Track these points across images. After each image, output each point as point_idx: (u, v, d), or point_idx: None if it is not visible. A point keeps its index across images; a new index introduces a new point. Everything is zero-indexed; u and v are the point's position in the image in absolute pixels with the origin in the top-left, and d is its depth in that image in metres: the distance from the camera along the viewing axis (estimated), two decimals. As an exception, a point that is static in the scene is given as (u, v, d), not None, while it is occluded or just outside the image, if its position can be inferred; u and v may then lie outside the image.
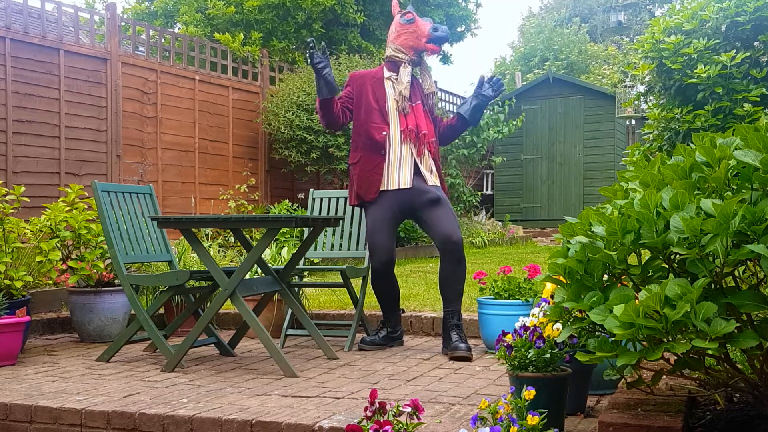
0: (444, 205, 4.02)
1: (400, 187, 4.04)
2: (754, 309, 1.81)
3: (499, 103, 12.31)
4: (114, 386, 3.29)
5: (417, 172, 4.07)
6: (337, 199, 4.78)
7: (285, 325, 4.37)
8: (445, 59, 15.13)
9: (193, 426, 2.69)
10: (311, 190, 4.95)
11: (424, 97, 4.19)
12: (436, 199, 4.01)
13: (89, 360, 4.00)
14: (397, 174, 4.05)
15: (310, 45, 3.90)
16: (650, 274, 2.02)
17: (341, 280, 4.43)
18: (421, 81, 4.22)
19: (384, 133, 4.05)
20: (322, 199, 4.82)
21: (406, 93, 4.09)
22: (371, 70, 4.28)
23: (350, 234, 4.65)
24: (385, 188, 4.07)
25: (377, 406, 2.05)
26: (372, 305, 5.02)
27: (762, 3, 4.27)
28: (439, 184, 4.12)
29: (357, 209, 4.59)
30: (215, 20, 10.99)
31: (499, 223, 12.95)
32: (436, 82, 4.37)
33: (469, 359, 3.83)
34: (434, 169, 4.15)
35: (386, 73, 4.17)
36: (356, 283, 4.59)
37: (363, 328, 4.51)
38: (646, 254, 2.05)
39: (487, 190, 14.82)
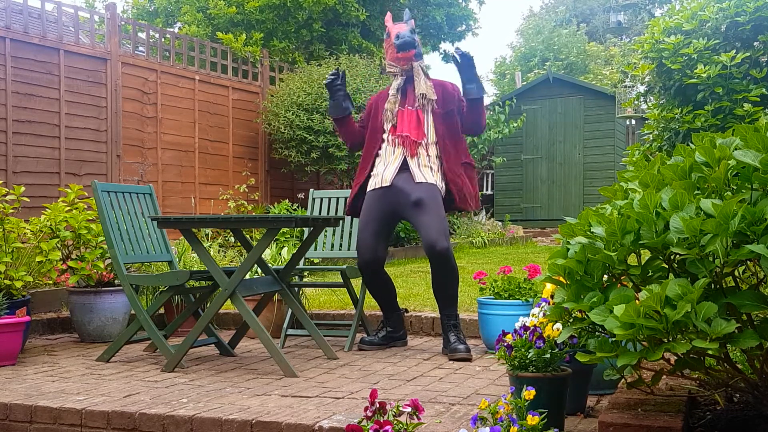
0: (426, 209, 3.94)
1: (382, 185, 4.10)
2: (754, 309, 1.81)
3: (500, 103, 12.30)
4: (114, 386, 3.29)
5: (406, 170, 4.07)
6: (337, 199, 4.78)
7: (285, 325, 4.37)
8: (446, 58, 15.14)
9: (193, 426, 2.69)
10: (311, 190, 4.95)
11: (416, 99, 4.14)
12: (418, 200, 3.96)
13: (89, 360, 4.00)
14: (381, 174, 4.12)
15: (335, 72, 4.29)
16: (650, 274, 2.02)
17: (341, 280, 4.44)
18: (414, 87, 4.17)
19: (378, 150, 4.22)
20: (322, 199, 4.82)
21: (391, 107, 4.15)
22: (383, 91, 4.36)
23: (350, 234, 4.65)
24: (372, 188, 4.14)
25: (377, 406, 2.05)
26: (372, 305, 5.02)
27: (762, 3, 4.27)
28: (433, 182, 4.04)
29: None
30: (216, 20, 10.99)
31: (499, 223, 12.95)
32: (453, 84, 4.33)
33: (468, 360, 3.83)
34: (433, 166, 4.08)
35: (390, 90, 4.26)
36: (356, 283, 4.59)
37: (363, 328, 4.51)
38: (646, 254, 2.05)
39: (487, 190, 14.82)
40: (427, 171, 4.07)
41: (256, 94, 9.85)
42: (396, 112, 4.14)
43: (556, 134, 14.44)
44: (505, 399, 2.04)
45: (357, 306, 4.37)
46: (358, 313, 4.34)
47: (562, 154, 14.38)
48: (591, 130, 14.18)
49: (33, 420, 2.92)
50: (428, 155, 4.10)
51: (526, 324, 2.50)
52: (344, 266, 4.41)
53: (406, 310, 4.61)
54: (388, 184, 4.08)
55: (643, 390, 2.34)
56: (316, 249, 4.69)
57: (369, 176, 4.20)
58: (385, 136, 4.19)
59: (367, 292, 4.36)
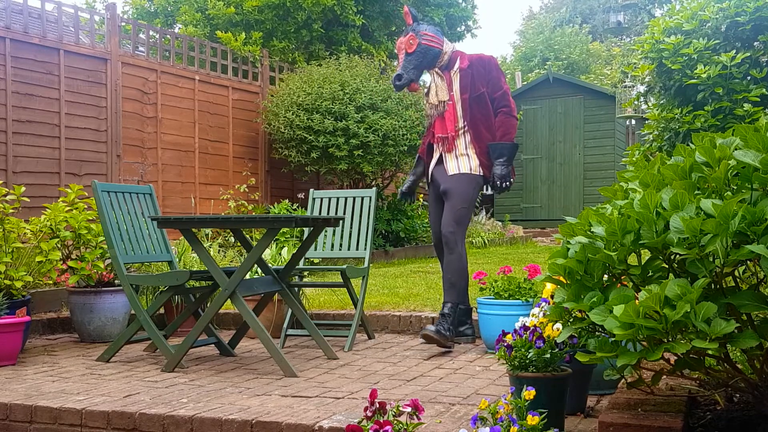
0: (449, 198, 4.21)
1: (427, 179, 4.44)
2: (754, 309, 1.81)
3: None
4: (114, 386, 3.29)
5: (441, 162, 4.31)
6: (337, 199, 4.78)
7: (285, 325, 4.37)
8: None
9: (193, 426, 2.69)
10: (311, 190, 4.95)
11: (457, 81, 4.25)
12: (444, 191, 4.25)
13: (89, 360, 4.00)
14: (429, 167, 4.41)
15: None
16: (650, 274, 2.02)
17: (341, 280, 4.44)
18: (451, 75, 4.28)
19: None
20: (322, 199, 4.82)
21: (434, 100, 4.33)
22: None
23: (350, 234, 4.65)
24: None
25: (377, 406, 2.05)
26: (372, 305, 5.02)
27: (762, 3, 4.27)
28: (467, 170, 4.21)
29: (357, 209, 4.67)
30: (215, 20, 10.98)
31: (499, 223, 12.95)
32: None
33: (433, 339, 3.89)
34: (470, 153, 4.22)
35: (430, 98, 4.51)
36: (356, 282, 4.59)
37: (363, 328, 4.52)
38: (646, 254, 2.05)
39: (487, 190, 14.80)
40: (464, 160, 4.24)
41: (256, 94, 9.85)
42: (446, 103, 4.28)
43: (556, 134, 14.44)
44: (505, 399, 2.04)
45: (357, 306, 4.37)
46: (358, 313, 4.34)
47: (562, 154, 14.38)
48: (591, 130, 14.18)
49: (33, 420, 2.92)
50: (465, 144, 4.25)
51: (526, 324, 2.50)
52: (344, 266, 4.40)
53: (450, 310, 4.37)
54: (429, 180, 4.42)
55: (643, 390, 2.34)
56: (316, 249, 4.69)
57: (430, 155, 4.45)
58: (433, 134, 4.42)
59: (368, 291, 4.38)
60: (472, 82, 4.23)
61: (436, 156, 4.35)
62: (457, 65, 4.28)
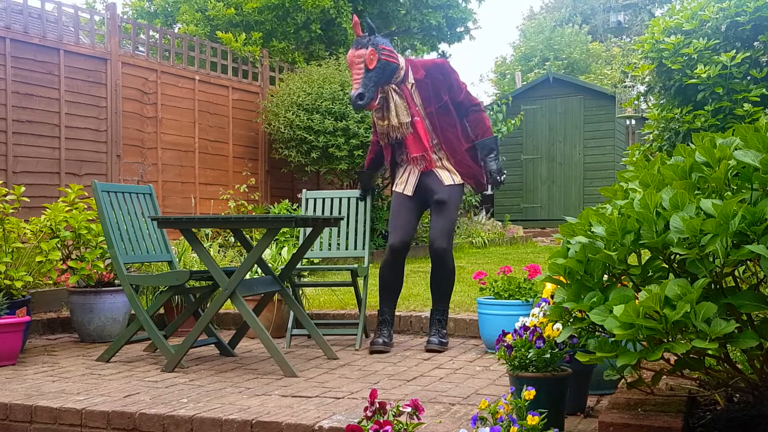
0: (442, 209, 4.14)
1: (405, 193, 4.24)
2: (754, 309, 1.81)
3: (498, 102, 12.31)
4: (114, 386, 3.29)
5: (431, 174, 4.20)
6: (332, 199, 4.75)
7: (289, 325, 4.38)
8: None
9: (193, 426, 2.69)
10: (303, 190, 4.93)
11: (417, 95, 4.13)
12: (440, 201, 4.16)
13: (89, 360, 4.00)
14: (406, 181, 4.25)
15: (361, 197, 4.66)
16: (650, 274, 2.02)
17: (341, 280, 4.44)
18: (409, 89, 4.14)
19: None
20: (315, 199, 4.79)
21: (394, 122, 4.14)
22: None
23: (347, 234, 4.65)
24: (400, 191, 4.25)
25: (377, 406, 2.05)
26: (372, 305, 5.01)
27: (762, 3, 4.27)
28: (459, 182, 4.19)
29: (353, 209, 4.68)
30: (215, 21, 10.99)
31: (499, 223, 12.94)
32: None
33: (440, 352, 4.05)
34: (448, 165, 4.19)
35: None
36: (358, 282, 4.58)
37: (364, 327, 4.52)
38: (646, 254, 2.05)
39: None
40: (448, 172, 4.19)
41: (256, 94, 9.85)
42: (409, 124, 4.15)
43: (556, 134, 14.44)
44: (505, 399, 2.04)
45: (361, 305, 4.38)
46: (363, 311, 4.36)
47: (562, 154, 14.38)
48: (591, 130, 14.18)
49: (33, 420, 2.92)
50: (443, 158, 4.20)
51: (526, 324, 2.50)
52: (355, 265, 4.42)
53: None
54: (410, 194, 4.22)
55: (643, 390, 2.34)
56: (313, 249, 4.69)
57: (394, 168, 4.33)
58: (404, 151, 4.26)
59: (369, 292, 4.37)
60: (434, 92, 4.10)
61: (413, 176, 4.20)
62: (411, 77, 4.12)
